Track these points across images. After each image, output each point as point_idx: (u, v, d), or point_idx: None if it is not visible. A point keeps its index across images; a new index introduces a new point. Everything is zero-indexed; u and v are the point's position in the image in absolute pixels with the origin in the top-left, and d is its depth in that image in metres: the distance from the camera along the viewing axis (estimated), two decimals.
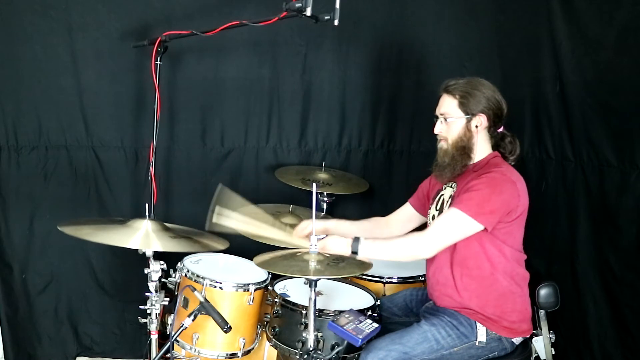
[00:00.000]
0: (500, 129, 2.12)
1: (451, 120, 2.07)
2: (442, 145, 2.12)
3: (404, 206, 2.38)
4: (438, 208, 2.15)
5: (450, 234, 1.96)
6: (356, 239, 1.99)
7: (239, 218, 2.12)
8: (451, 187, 2.13)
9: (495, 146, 2.12)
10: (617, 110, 2.43)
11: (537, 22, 2.75)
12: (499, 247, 2.02)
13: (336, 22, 2.09)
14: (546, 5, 2.68)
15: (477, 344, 2.01)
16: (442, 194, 2.15)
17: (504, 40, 2.91)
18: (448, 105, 2.08)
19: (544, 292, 2.17)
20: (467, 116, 2.05)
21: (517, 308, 2.05)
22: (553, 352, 2.25)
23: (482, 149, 2.09)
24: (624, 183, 2.39)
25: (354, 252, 1.98)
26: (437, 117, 2.12)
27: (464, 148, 2.06)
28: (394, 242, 2.01)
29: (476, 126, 2.05)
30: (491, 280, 2.03)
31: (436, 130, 2.12)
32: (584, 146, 2.57)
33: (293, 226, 2.51)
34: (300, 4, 2.02)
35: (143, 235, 1.97)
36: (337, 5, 2.08)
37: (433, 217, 2.16)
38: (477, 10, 2.96)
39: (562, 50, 2.63)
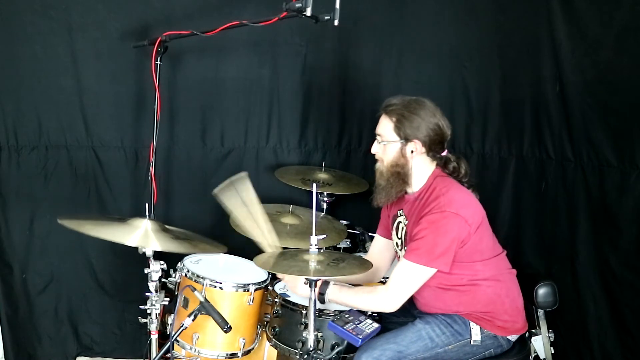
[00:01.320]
0: (444, 153, 2.07)
1: (386, 144, 2.04)
2: (379, 166, 2.11)
3: (375, 239, 2.38)
4: (400, 237, 2.15)
5: (409, 286, 1.96)
6: (325, 283, 2.04)
7: (239, 204, 2.14)
8: (402, 217, 2.13)
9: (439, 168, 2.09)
10: (617, 110, 2.43)
11: (537, 22, 2.74)
12: (468, 266, 2.00)
13: (336, 22, 2.09)
14: (546, 5, 2.68)
15: (471, 342, 2.01)
16: (399, 221, 2.16)
17: (504, 40, 2.91)
18: (384, 127, 2.04)
19: (542, 291, 2.17)
20: (402, 141, 2.01)
21: (507, 308, 2.04)
22: (552, 351, 2.26)
23: (421, 174, 2.05)
24: (624, 183, 2.39)
25: (321, 294, 2.04)
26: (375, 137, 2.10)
27: (398, 174, 2.03)
28: (360, 296, 2.03)
29: (411, 151, 2.01)
30: (474, 291, 2.02)
31: (373, 150, 2.10)
32: (584, 146, 2.57)
33: (293, 226, 2.53)
34: (300, 4, 2.02)
35: (142, 234, 1.96)
36: (337, 5, 2.08)
37: (397, 245, 2.18)
38: (477, 10, 2.95)
39: (562, 50, 2.63)
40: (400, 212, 2.15)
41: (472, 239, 1.96)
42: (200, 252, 2.10)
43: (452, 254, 1.94)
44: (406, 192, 2.12)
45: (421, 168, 2.05)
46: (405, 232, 2.09)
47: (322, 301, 2.05)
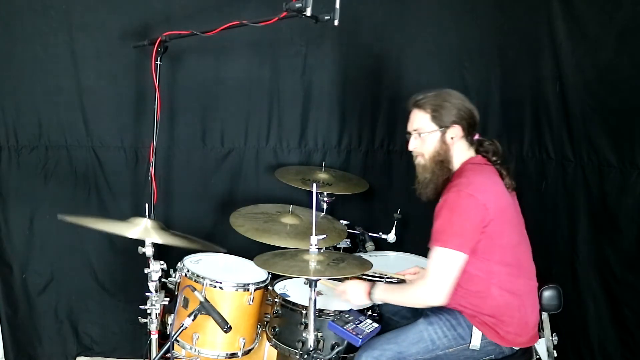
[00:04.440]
0: (477, 136, 2.10)
1: (425, 135, 2.05)
2: (420, 161, 2.11)
3: None
4: None
5: (447, 273, 1.92)
6: (374, 286, 2.06)
7: None
8: None
9: (476, 152, 2.10)
10: (617, 110, 2.43)
11: (537, 22, 2.75)
12: (485, 264, 1.97)
13: (336, 22, 2.09)
14: (546, 5, 2.68)
15: (470, 346, 1.99)
16: None
17: (504, 40, 2.91)
18: (420, 120, 2.06)
19: (547, 294, 2.13)
20: (441, 129, 2.03)
21: (515, 321, 2.00)
22: (555, 355, 2.24)
23: (459, 159, 2.07)
24: (624, 183, 2.40)
25: (372, 300, 2.07)
26: (409, 134, 2.10)
27: (442, 162, 2.05)
28: (404, 292, 2.03)
29: (452, 137, 2.04)
30: (485, 294, 1.99)
31: (411, 147, 2.10)
32: (584, 146, 2.57)
33: (293, 226, 2.53)
34: (300, 4, 2.02)
35: (142, 229, 1.97)
36: (337, 5, 2.08)
37: None
38: (477, 10, 2.96)
39: (562, 50, 2.63)
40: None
41: (491, 226, 1.93)
42: (200, 247, 2.09)
43: (472, 236, 1.91)
44: None
45: (460, 153, 2.07)
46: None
47: (372, 300, 2.07)
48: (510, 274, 2.00)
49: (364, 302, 2.11)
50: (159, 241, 1.93)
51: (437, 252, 1.93)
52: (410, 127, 2.10)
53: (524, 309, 2.02)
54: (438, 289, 1.93)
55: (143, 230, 1.97)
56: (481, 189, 1.94)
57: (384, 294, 2.05)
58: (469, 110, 2.05)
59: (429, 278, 1.94)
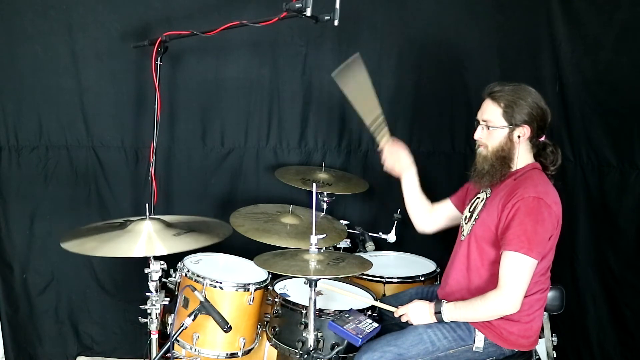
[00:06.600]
0: (542, 138, 2.07)
1: (493, 129, 2.03)
2: (482, 151, 2.08)
3: (445, 202, 2.35)
4: (471, 210, 2.14)
5: (521, 279, 1.90)
6: (438, 304, 2.02)
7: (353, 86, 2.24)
8: (485, 192, 2.11)
9: (536, 155, 2.08)
10: (617, 110, 2.43)
11: (536, 22, 2.75)
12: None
13: (336, 22, 2.09)
14: (546, 6, 2.69)
15: (473, 348, 2.00)
16: (478, 197, 2.14)
17: (504, 41, 2.91)
18: (491, 112, 2.03)
19: (550, 294, 2.12)
20: (510, 126, 2.00)
21: (519, 326, 2.00)
22: (555, 356, 2.24)
23: (522, 158, 2.05)
24: (624, 183, 2.40)
25: (438, 313, 2.02)
26: (477, 122, 2.07)
27: (504, 158, 2.03)
28: (476, 308, 1.96)
29: (518, 136, 2.01)
30: None
31: (476, 136, 2.08)
32: (584, 146, 2.57)
33: (293, 226, 2.53)
34: (300, 5, 2.02)
35: (146, 239, 1.93)
36: (337, 5, 2.08)
37: (465, 219, 2.15)
38: (477, 10, 2.96)
39: (561, 50, 2.64)
40: (488, 190, 2.12)
41: (551, 240, 1.95)
42: (207, 241, 2.04)
43: (546, 245, 1.92)
44: None
45: (524, 153, 2.05)
46: (484, 204, 2.07)
47: (441, 320, 2.02)
48: (535, 283, 1.98)
49: (428, 322, 2.04)
50: (164, 252, 1.89)
51: (518, 259, 1.89)
52: (480, 116, 2.07)
53: (531, 315, 2.02)
54: (515, 298, 1.90)
55: (147, 242, 1.92)
56: (556, 201, 1.96)
57: (454, 313, 1.99)
58: (541, 112, 2.02)
59: (507, 286, 1.90)
